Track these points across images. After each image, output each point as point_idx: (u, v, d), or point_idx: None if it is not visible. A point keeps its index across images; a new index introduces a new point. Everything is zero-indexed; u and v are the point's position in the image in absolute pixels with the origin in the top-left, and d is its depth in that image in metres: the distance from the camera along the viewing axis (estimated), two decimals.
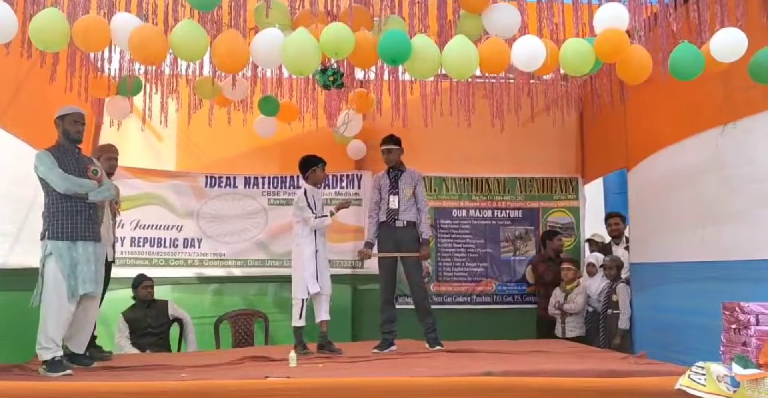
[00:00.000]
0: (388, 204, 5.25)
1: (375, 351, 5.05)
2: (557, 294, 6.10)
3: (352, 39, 3.74)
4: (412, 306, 5.39)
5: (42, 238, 4.16)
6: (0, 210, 4.57)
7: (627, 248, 6.09)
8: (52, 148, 4.25)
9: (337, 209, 5.24)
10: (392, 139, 5.34)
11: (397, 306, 6.48)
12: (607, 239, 6.62)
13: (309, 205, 5.01)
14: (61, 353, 4.09)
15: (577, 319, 5.98)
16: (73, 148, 4.32)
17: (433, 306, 5.59)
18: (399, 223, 5.22)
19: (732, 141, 4.24)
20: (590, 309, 6.06)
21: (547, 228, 6.97)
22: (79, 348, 4.36)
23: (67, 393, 3.32)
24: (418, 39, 3.88)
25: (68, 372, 3.99)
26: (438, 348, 5.05)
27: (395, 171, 5.36)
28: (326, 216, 5.07)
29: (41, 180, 4.18)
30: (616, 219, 6.48)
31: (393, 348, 5.14)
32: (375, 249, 5.36)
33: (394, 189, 5.27)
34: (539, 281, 6.61)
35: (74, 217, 4.13)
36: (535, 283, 6.71)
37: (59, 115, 4.32)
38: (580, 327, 6.00)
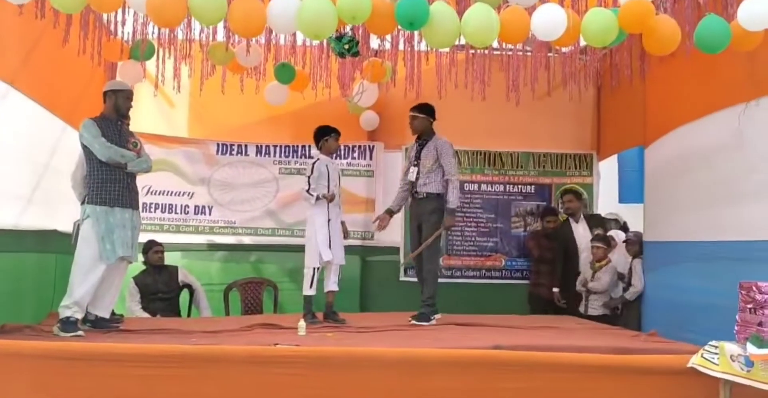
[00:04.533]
0: (407, 175, 5.18)
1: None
2: (585, 271, 5.96)
3: (369, 3, 3.66)
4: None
5: (82, 203, 4.36)
6: (15, 173, 4.57)
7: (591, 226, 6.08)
8: (97, 117, 4.37)
9: (323, 196, 4.95)
10: (417, 106, 5.19)
11: (403, 279, 6.59)
12: (623, 219, 6.53)
13: (310, 177, 4.95)
14: (80, 315, 4.17)
15: (602, 298, 5.77)
16: (117, 121, 4.44)
17: (442, 280, 5.55)
18: (419, 196, 5.12)
19: (753, 119, 4.15)
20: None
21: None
22: (105, 311, 4.45)
23: (77, 354, 3.36)
24: (437, 6, 3.79)
25: (79, 332, 4.05)
26: (415, 323, 4.85)
27: (421, 140, 5.21)
28: (312, 196, 4.91)
29: (84, 147, 4.33)
30: (569, 196, 6.35)
31: (437, 316, 4.98)
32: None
33: (416, 160, 5.16)
34: (530, 256, 6.59)
35: (113, 185, 4.30)
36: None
37: (114, 88, 4.47)
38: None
